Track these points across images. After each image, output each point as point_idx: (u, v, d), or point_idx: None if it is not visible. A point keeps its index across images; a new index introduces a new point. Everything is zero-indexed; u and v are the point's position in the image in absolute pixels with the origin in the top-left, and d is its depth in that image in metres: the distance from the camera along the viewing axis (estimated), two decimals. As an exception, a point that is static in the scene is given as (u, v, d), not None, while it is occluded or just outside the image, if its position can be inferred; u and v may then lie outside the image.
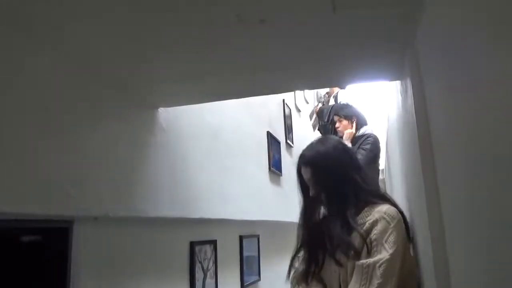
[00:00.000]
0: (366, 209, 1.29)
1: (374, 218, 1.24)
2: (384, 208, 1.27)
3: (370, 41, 1.48)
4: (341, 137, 3.25)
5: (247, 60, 1.61)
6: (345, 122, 3.28)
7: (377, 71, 1.85)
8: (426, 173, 1.39)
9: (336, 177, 1.37)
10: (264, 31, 1.35)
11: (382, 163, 5.65)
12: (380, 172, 6.02)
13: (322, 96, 5.14)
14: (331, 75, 1.89)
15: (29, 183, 1.23)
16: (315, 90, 6.04)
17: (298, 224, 1.49)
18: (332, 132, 3.77)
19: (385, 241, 1.19)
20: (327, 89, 5.01)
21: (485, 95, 0.75)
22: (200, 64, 1.61)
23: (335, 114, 3.45)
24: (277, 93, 4.03)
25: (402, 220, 1.26)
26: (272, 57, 1.58)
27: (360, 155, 2.96)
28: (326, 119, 4.30)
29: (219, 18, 1.27)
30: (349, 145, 3.08)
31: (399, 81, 2.00)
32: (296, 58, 1.60)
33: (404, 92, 1.80)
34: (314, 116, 4.96)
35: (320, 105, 5.10)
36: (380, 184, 5.89)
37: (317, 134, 4.81)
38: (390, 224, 1.22)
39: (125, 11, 1.20)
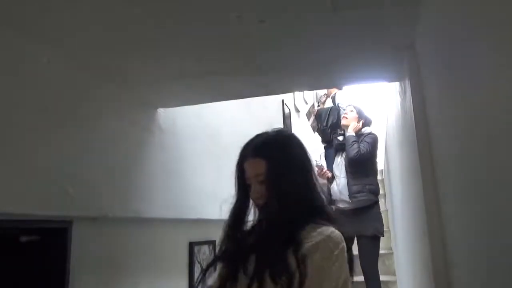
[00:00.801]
0: (307, 228, 1.02)
1: (315, 241, 0.99)
2: (328, 231, 1.01)
3: (369, 42, 1.48)
4: (344, 125, 3.26)
5: (247, 61, 1.62)
6: (355, 115, 3.26)
7: (376, 72, 1.85)
8: (425, 174, 1.39)
9: (298, 180, 1.07)
10: (264, 32, 1.35)
11: (381, 164, 5.67)
12: (379, 172, 6.03)
13: (322, 96, 5.12)
14: (331, 76, 1.90)
15: (28, 184, 1.23)
16: (314, 91, 6.04)
17: (225, 227, 1.18)
18: (331, 137, 3.77)
19: (324, 271, 0.96)
20: (325, 90, 5.00)
21: (484, 97, 0.75)
22: (200, 65, 1.61)
23: (351, 104, 3.41)
24: (276, 94, 4.02)
25: (346, 248, 1.02)
26: (272, 58, 1.58)
27: (363, 145, 3.03)
28: (325, 123, 4.25)
29: (219, 19, 1.27)
30: (350, 132, 3.15)
31: (398, 82, 2.00)
32: (296, 58, 1.60)
33: (403, 93, 1.81)
34: (312, 117, 4.91)
35: (317, 105, 5.06)
36: (379, 184, 5.89)
37: (317, 136, 4.79)
38: (333, 252, 0.98)
39: (126, 11, 1.20)
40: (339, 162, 3.21)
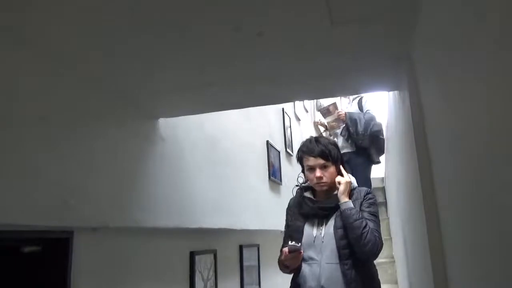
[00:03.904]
0: None
1: None
2: None
3: (367, 53, 1.50)
4: (338, 188, 1.81)
5: (246, 72, 1.63)
6: (331, 168, 1.84)
7: (375, 82, 1.87)
8: (424, 181, 1.40)
9: None
10: (263, 44, 1.37)
11: (382, 171, 5.66)
12: (379, 180, 5.99)
13: (329, 106, 4.90)
14: (330, 86, 1.91)
15: (29, 195, 1.23)
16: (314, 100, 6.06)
17: None
18: (370, 146, 3.56)
19: None
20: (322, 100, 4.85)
21: (482, 105, 0.76)
22: (200, 76, 1.62)
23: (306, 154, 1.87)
24: (276, 104, 4.02)
25: None
26: (271, 69, 1.60)
27: (372, 223, 1.73)
28: (362, 130, 3.91)
29: (218, 31, 1.29)
30: (346, 200, 1.76)
31: (397, 91, 2.02)
32: (295, 70, 1.62)
33: (401, 102, 1.82)
34: (333, 117, 4.57)
35: (340, 108, 4.74)
36: (380, 192, 5.85)
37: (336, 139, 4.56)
38: None
39: (126, 24, 1.22)
40: (316, 237, 1.79)
